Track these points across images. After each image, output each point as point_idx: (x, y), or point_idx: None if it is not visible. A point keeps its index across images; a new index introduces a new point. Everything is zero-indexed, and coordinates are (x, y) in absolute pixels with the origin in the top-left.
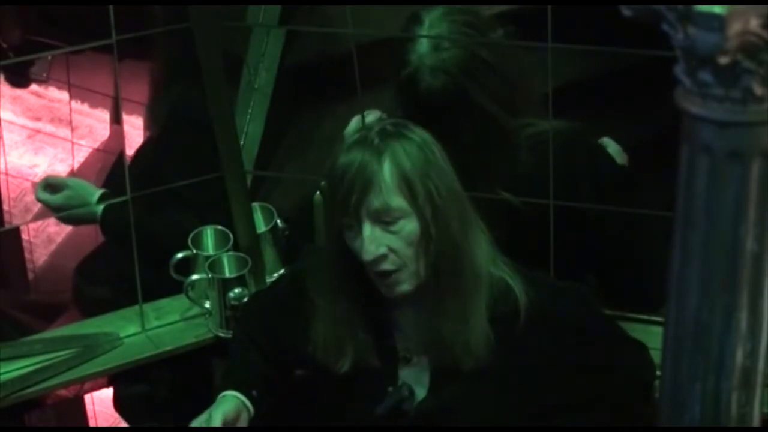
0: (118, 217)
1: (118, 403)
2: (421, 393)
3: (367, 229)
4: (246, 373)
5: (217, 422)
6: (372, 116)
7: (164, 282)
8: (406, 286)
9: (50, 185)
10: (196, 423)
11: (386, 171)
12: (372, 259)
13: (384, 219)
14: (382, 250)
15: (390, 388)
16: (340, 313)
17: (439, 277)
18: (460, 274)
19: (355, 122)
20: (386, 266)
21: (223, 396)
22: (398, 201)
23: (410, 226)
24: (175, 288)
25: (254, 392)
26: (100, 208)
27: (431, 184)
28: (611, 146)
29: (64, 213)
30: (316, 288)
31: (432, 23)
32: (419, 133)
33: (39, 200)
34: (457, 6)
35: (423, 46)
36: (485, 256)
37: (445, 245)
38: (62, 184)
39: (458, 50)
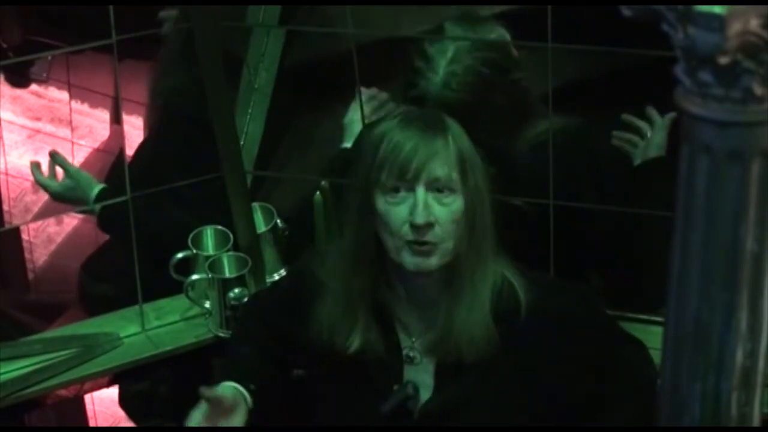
0: (115, 213)
1: (122, 401)
2: (424, 394)
3: (422, 193)
4: (244, 367)
5: (202, 406)
6: (367, 95)
7: (164, 282)
8: (435, 261)
9: (54, 165)
10: (194, 413)
11: (451, 144)
12: (422, 223)
13: (440, 189)
14: (431, 218)
15: (395, 386)
16: (351, 293)
17: (465, 262)
18: (480, 263)
19: (353, 110)
20: (428, 237)
21: (221, 385)
22: (456, 175)
23: (459, 202)
24: (175, 288)
25: (252, 386)
26: (98, 205)
27: (477, 170)
28: (658, 134)
29: (59, 200)
30: (327, 271)
31: (456, 54)
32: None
33: (37, 181)
34: (486, 41)
35: (437, 76)
36: (493, 253)
37: (478, 229)
38: (65, 171)
39: (466, 95)
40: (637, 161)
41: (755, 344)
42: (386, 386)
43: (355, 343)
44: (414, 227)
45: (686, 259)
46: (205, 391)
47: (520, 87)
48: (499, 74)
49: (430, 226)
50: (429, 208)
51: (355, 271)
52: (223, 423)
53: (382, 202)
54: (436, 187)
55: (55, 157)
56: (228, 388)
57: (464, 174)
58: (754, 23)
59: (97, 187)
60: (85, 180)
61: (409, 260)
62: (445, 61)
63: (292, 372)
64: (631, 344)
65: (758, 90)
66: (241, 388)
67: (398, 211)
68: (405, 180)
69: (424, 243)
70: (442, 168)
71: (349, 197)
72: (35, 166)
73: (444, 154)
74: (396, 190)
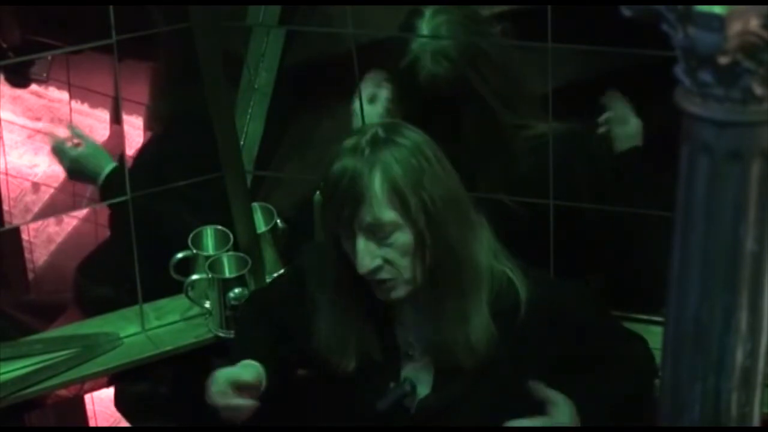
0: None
1: (119, 402)
2: (423, 390)
3: (361, 242)
4: (258, 348)
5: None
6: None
7: (164, 282)
8: (400, 292)
9: (71, 138)
10: (221, 373)
11: (377, 184)
12: (366, 272)
13: (377, 233)
14: (377, 262)
15: (392, 384)
16: (341, 310)
17: (437, 282)
18: (459, 277)
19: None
20: (382, 275)
21: (242, 364)
22: (390, 214)
23: (404, 237)
24: (175, 288)
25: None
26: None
27: (424, 194)
28: (632, 121)
29: (70, 171)
30: (318, 285)
31: (432, 14)
32: (413, 137)
33: (54, 147)
34: (455, 5)
35: (423, 33)
36: (486, 252)
37: (442, 252)
38: (82, 141)
39: (458, 40)
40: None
41: (755, 344)
42: (384, 384)
43: (351, 365)
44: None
45: (686, 259)
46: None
47: (504, 41)
48: (479, 26)
49: (379, 268)
50: (372, 252)
51: (342, 290)
52: (240, 399)
53: (344, 244)
54: (372, 232)
55: (72, 129)
56: (250, 367)
57: (403, 205)
58: (754, 23)
59: (111, 165)
60: (100, 152)
61: (378, 294)
62: (425, 20)
63: (296, 368)
64: (632, 340)
65: (758, 90)
66: (260, 367)
67: (352, 252)
68: (343, 227)
69: (384, 281)
70: (370, 213)
71: (323, 227)
72: (53, 138)
73: (369, 197)
74: (346, 236)
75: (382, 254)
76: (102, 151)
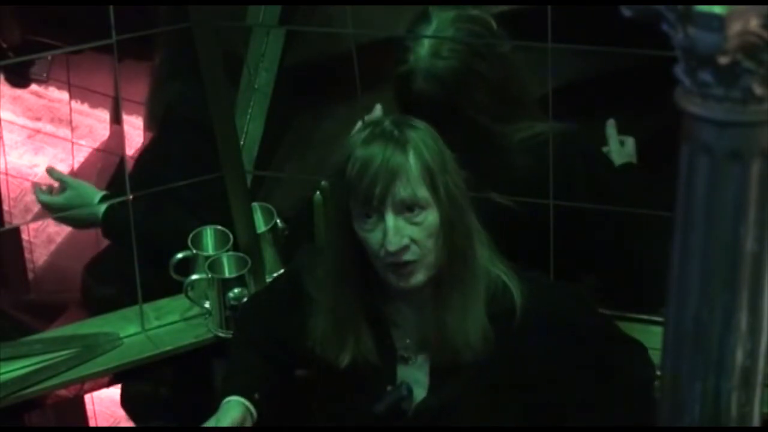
0: (120, 218)
1: (124, 402)
2: (419, 393)
3: (391, 219)
4: (248, 377)
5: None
6: (376, 113)
7: (164, 282)
8: (420, 277)
9: (51, 184)
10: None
11: (412, 161)
12: (395, 250)
13: (408, 209)
14: (405, 241)
15: (389, 387)
16: (340, 308)
17: (450, 270)
18: (468, 267)
19: (360, 125)
20: (408, 257)
21: (228, 402)
22: (423, 191)
23: (432, 217)
24: (175, 288)
25: (256, 395)
26: (102, 209)
27: (448, 177)
28: (628, 142)
29: (65, 213)
30: (316, 283)
31: (440, 26)
32: (427, 126)
33: (40, 202)
34: (467, 14)
35: (423, 48)
36: (483, 254)
37: (460, 237)
38: (64, 184)
39: (455, 61)
40: None
41: (755, 344)
42: (381, 387)
43: (345, 360)
44: (390, 252)
45: (686, 259)
46: None
47: (506, 60)
48: (483, 45)
49: (406, 248)
50: (401, 231)
51: (342, 286)
52: None
53: (358, 228)
54: (405, 207)
55: (51, 173)
56: (236, 404)
57: (433, 186)
58: (754, 23)
59: (99, 194)
60: (84, 188)
61: (395, 282)
62: (431, 33)
63: (295, 372)
64: (629, 344)
65: (758, 90)
66: (247, 402)
67: (373, 236)
68: (372, 206)
69: (405, 263)
70: (405, 188)
71: (330, 213)
72: (38, 187)
73: (406, 173)
74: (367, 215)
75: (410, 233)
76: (85, 185)
